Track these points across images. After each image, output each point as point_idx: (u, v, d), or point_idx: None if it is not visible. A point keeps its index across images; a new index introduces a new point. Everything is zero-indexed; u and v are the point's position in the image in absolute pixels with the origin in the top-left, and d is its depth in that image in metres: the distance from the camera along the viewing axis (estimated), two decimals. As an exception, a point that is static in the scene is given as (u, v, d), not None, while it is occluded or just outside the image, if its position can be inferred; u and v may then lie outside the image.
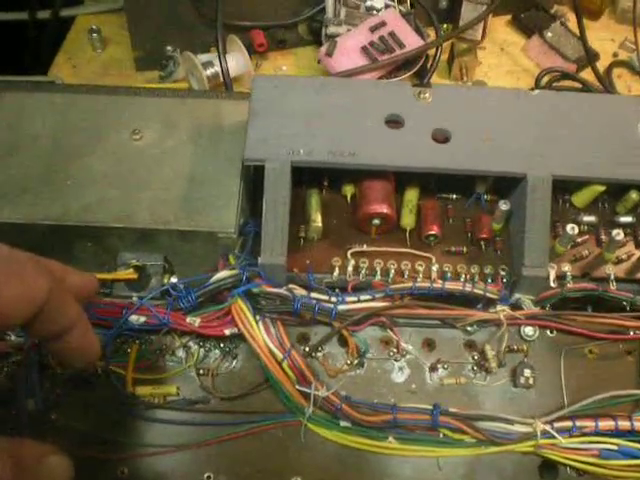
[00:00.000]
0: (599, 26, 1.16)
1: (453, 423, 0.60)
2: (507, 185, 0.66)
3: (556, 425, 0.60)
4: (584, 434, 0.60)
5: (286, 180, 0.63)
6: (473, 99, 0.67)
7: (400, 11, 1.08)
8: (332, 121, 0.65)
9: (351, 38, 1.05)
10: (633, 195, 0.66)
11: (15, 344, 0.61)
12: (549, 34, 1.12)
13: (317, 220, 0.66)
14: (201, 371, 0.62)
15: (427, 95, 0.67)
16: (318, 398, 0.60)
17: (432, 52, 1.09)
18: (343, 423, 0.60)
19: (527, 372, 0.62)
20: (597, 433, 0.60)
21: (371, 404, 0.60)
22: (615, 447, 0.60)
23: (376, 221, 0.65)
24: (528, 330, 0.63)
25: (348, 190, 0.68)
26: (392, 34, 1.05)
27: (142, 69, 1.09)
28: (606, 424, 0.60)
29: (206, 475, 0.60)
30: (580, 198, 0.67)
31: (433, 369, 0.63)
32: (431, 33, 1.11)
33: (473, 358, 0.63)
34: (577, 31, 1.12)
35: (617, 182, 0.64)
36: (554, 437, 0.59)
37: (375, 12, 1.07)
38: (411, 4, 1.10)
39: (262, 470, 0.60)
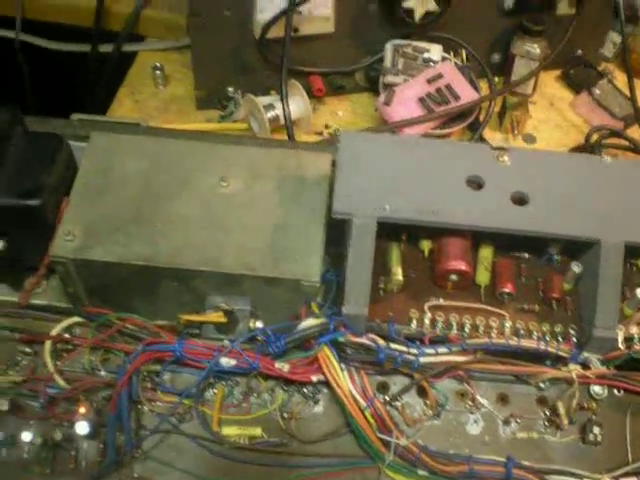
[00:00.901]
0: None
1: (526, 476, 0.63)
2: (579, 247, 0.70)
3: (623, 481, 0.63)
4: (651, 492, 0.63)
5: (372, 235, 0.67)
6: (550, 163, 0.71)
7: (456, 64, 1.13)
8: (416, 179, 0.69)
9: (409, 88, 1.09)
10: (701, 263, 0.69)
11: (106, 380, 0.65)
12: (597, 91, 1.17)
13: (398, 273, 0.69)
14: (284, 414, 0.65)
15: (506, 158, 0.71)
16: (398, 446, 0.63)
17: (485, 104, 1.13)
18: (421, 472, 0.63)
19: (596, 430, 0.65)
20: (664, 492, 0.63)
21: (448, 454, 0.64)
22: (681, 507, 0.63)
23: (453, 277, 0.69)
24: (597, 389, 0.67)
25: (426, 245, 0.72)
26: (448, 86, 1.10)
27: (202, 108, 1.14)
28: (672, 484, 0.63)
29: (287, 515, 0.63)
30: (648, 264, 0.71)
31: (506, 422, 0.66)
32: (483, 85, 1.15)
33: (545, 414, 0.67)
34: (624, 89, 1.16)
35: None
36: (623, 494, 0.62)
37: (432, 64, 1.12)
38: (465, 57, 1.14)
39: (340, 513, 0.63)
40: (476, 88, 1.14)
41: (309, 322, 0.65)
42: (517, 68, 1.17)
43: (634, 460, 0.65)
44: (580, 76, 1.22)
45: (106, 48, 1.21)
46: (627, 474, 0.64)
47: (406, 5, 1.08)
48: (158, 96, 1.16)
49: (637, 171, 0.71)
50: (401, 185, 0.69)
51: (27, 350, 0.67)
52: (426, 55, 1.13)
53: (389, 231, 0.72)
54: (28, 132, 0.75)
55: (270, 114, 1.09)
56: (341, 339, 0.65)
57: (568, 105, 1.21)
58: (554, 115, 1.19)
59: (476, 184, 0.70)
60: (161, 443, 0.65)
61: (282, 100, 1.06)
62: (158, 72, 1.15)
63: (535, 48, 1.14)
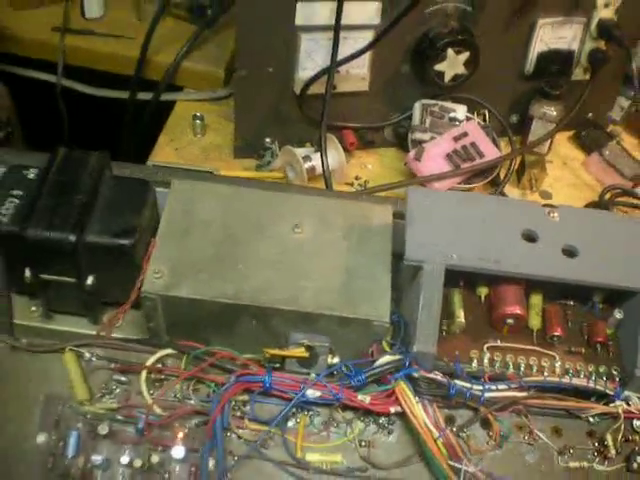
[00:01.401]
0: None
1: (581, 501, 0.72)
2: (620, 296, 0.80)
3: (667, 508, 0.72)
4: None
5: (440, 280, 0.76)
6: (595, 220, 0.82)
7: (479, 123, 1.24)
8: (478, 231, 0.79)
9: (437, 145, 1.20)
10: None
11: (199, 408, 0.72)
12: (607, 152, 1.30)
13: (460, 316, 0.79)
14: (362, 443, 0.73)
15: (556, 214, 0.81)
16: (467, 473, 0.71)
17: (505, 162, 1.24)
18: (487, 497, 0.72)
19: (639, 458, 0.74)
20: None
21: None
22: None
23: (510, 320, 0.79)
24: (639, 423, 0.76)
25: (482, 291, 0.82)
26: (473, 144, 1.21)
27: (240, 156, 1.23)
28: None
29: (364, 537, 0.71)
30: (682, 312, 0.81)
31: (560, 453, 0.75)
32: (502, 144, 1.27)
33: (594, 445, 0.76)
34: (631, 150, 1.29)
35: None
36: (667, 519, 0.72)
37: (457, 123, 1.23)
38: (488, 117, 1.26)
39: (413, 535, 0.71)
40: (498, 146, 1.25)
41: (386, 358, 0.74)
42: (535, 129, 1.29)
43: (673, 488, 0.74)
44: (591, 138, 1.34)
45: (144, 96, 1.30)
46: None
47: (438, 68, 1.19)
48: (197, 144, 1.25)
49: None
50: (465, 236, 0.79)
51: (122, 379, 0.74)
52: (452, 114, 1.25)
53: (449, 278, 0.81)
54: (117, 177, 0.83)
55: (307, 165, 1.18)
56: (415, 374, 0.73)
57: (580, 164, 1.33)
58: (567, 174, 1.31)
59: (530, 237, 0.80)
60: (247, 468, 0.72)
61: (322, 152, 1.16)
62: (198, 121, 1.24)
63: (552, 110, 1.27)
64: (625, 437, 0.76)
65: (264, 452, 0.73)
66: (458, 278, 0.82)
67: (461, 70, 1.20)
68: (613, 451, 0.75)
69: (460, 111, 1.25)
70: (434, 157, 1.20)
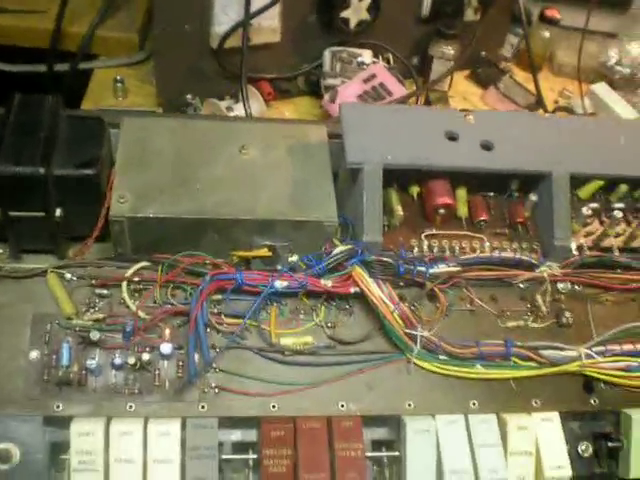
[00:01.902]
0: (539, 78, 1.51)
1: (522, 352, 0.86)
2: (532, 183, 0.95)
3: (593, 349, 0.88)
4: (614, 355, 0.88)
5: (379, 179, 0.89)
6: (504, 119, 0.97)
7: (384, 66, 1.38)
8: (406, 135, 0.93)
9: (349, 88, 1.34)
10: (622, 187, 0.97)
11: (180, 309, 0.83)
12: (502, 85, 1.47)
13: (399, 210, 0.92)
14: (328, 324, 0.86)
15: (471, 117, 0.96)
16: (422, 338, 0.85)
17: (412, 100, 1.39)
18: (442, 357, 0.85)
19: (567, 314, 0.90)
20: (623, 353, 0.88)
21: (461, 341, 0.86)
22: (636, 363, 0.88)
23: (441, 210, 0.93)
24: (562, 286, 0.92)
25: (414, 190, 0.95)
26: (382, 84, 1.35)
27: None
28: (627, 347, 0.89)
29: (340, 404, 0.83)
30: (585, 192, 0.97)
31: (499, 316, 0.90)
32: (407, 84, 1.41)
33: (526, 307, 0.91)
34: (523, 82, 1.46)
35: (610, 177, 0.95)
36: (593, 357, 0.87)
37: (365, 66, 1.37)
38: (390, 61, 1.40)
39: (382, 398, 0.84)
40: (404, 86, 1.40)
41: (340, 248, 0.86)
42: (435, 68, 1.44)
43: (598, 336, 0.90)
44: (486, 74, 1.51)
45: (61, 67, 1.38)
46: (596, 344, 0.89)
47: (343, 15, 1.33)
48: (120, 106, 1.33)
49: (570, 121, 0.99)
50: (397, 140, 0.92)
51: (104, 292, 0.84)
52: (360, 59, 1.38)
53: (385, 180, 0.95)
54: (72, 116, 0.92)
55: (231, 115, 1.29)
56: (368, 259, 0.86)
57: (479, 98, 1.49)
58: (469, 106, 1.47)
59: (452, 137, 0.94)
60: (229, 357, 0.83)
61: (243, 102, 1.27)
62: (119, 84, 1.33)
63: (449, 50, 1.43)
64: (552, 297, 0.91)
65: (243, 342, 0.84)
66: (392, 180, 0.95)
67: (365, 16, 1.34)
68: (544, 308, 0.90)
69: (367, 56, 1.39)
70: (347, 98, 1.33)
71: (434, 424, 0.82)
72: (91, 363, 0.80)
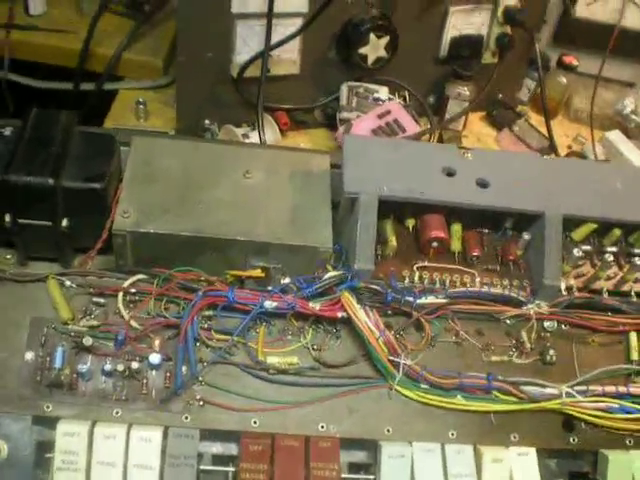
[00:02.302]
0: (555, 123, 1.54)
1: (502, 386, 0.89)
2: (527, 221, 0.98)
3: (575, 388, 0.90)
4: (595, 395, 0.90)
5: (374, 208, 0.93)
6: (502, 158, 1.01)
7: (400, 103, 1.43)
8: (404, 169, 0.96)
9: (363, 122, 1.38)
10: (616, 231, 0.99)
11: (172, 321, 0.86)
12: (516, 128, 1.50)
13: (393, 240, 0.95)
14: (314, 347, 0.89)
15: (469, 155, 0.99)
16: (405, 366, 0.87)
17: (425, 138, 1.42)
18: (423, 386, 0.88)
19: (551, 352, 0.92)
20: (604, 394, 0.90)
21: (443, 371, 0.89)
22: (617, 405, 0.90)
23: (435, 243, 0.96)
24: (549, 324, 0.94)
25: (410, 223, 0.99)
26: (396, 121, 1.39)
27: (182, 138, 1.37)
28: (609, 388, 0.91)
29: (320, 425, 0.86)
30: (578, 234, 1.00)
31: (483, 350, 0.92)
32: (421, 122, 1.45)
33: (511, 342, 0.93)
34: (537, 126, 1.49)
35: (604, 220, 0.98)
36: (574, 396, 0.89)
37: (380, 102, 1.41)
38: (408, 98, 1.45)
39: (362, 422, 0.87)
40: (418, 123, 1.44)
41: (332, 273, 0.90)
42: (450, 107, 1.48)
43: (582, 374, 0.92)
44: (501, 116, 1.55)
45: (87, 87, 1.44)
46: (578, 384, 0.91)
47: (361, 51, 1.37)
48: (140, 128, 1.39)
49: (567, 162, 1.02)
50: (394, 173, 0.95)
51: (100, 301, 0.88)
52: (376, 95, 1.43)
53: (381, 211, 0.98)
54: (84, 132, 0.97)
55: (246, 142, 1.34)
56: (357, 285, 0.89)
57: (493, 140, 1.53)
58: (482, 147, 1.50)
59: (449, 172, 0.98)
60: (216, 372, 0.87)
61: (259, 130, 1.32)
62: (141, 107, 1.39)
63: (465, 90, 1.47)
64: (538, 335, 0.94)
65: (230, 358, 0.87)
66: (389, 211, 0.99)
67: (382, 53, 1.39)
68: (528, 345, 0.92)
69: (383, 92, 1.43)
70: (361, 131, 1.37)
71: (410, 450, 0.85)
72: (82, 367, 0.83)
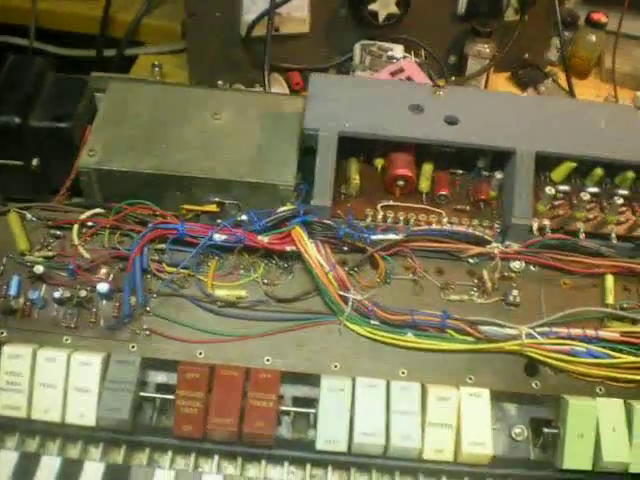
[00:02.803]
0: (587, 83, 1.47)
1: (457, 324, 0.85)
2: (501, 161, 0.94)
3: (537, 330, 0.85)
4: (559, 337, 0.85)
5: (334, 145, 0.91)
6: (476, 97, 0.97)
7: (415, 61, 1.39)
8: (370, 106, 0.94)
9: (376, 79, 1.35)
10: (598, 171, 0.94)
11: (123, 253, 0.88)
12: (542, 88, 1.44)
13: (356, 178, 0.94)
14: (265, 281, 0.88)
15: (441, 93, 0.97)
16: (355, 302, 0.85)
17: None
18: (373, 322, 0.86)
19: (515, 292, 0.88)
20: (569, 337, 0.85)
21: (395, 308, 0.86)
22: (584, 349, 0.85)
23: (400, 182, 0.94)
24: (516, 264, 0.90)
25: (379, 162, 0.97)
26: (409, 78, 1.35)
27: (195, 99, 1.39)
28: (576, 331, 0.86)
29: (265, 358, 0.85)
30: (557, 174, 0.95)
31: (442, 288, 0.89)
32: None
33: (473, 282, 0.89)
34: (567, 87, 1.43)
35: (583, 159, 0.93)
36: (535, 338, 0.85)
37: (395, 61, 1.38)
38: (425, 57, 1.41)
39: (309, 358, 0.85)
40: (433, 81, 1.40)
41: (284, 207, 0.89)
42: (470, 66, 1.44)
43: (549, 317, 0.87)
44: (528, 76, 1.49)
45: (109, 53, 1.48)
46: (542, 325, 0.86)
47: (372, 8, 1.35)
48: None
49: (548, 100, 0.97)
50: (359, 110, 0.94)
51: (57, 233, 0.90)
52: (390, 53, 1.40)
53: (350, 151, 0.97)
54: (58, 77, 1.00)
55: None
56: (309, 219, 0.88)
57: (517, 101, 1.47)
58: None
59: (416, 109, 0.95)
60: (165, 303, 0.87)
61: (264, 89, 1.32)
62: (157, 69, 1.41)
63: (486, 48, 1.42)
64: (503, 275, 0.90)
65: (181, 291, 0.88)
66: (359, 151, 0.97)
67: (393, 9, 1.36)
68: (489, 284, 0.89)
69: (398, 50, 1.40)
70: (372, 90, 1.35)
71: (350, 384, 0.83)
72: (33, 294, 0.86)
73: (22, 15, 1.47)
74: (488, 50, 1.42)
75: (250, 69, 1.40)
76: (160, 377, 0.86)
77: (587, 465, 0.82)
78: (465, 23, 1.43)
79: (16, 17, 1.48)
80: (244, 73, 1.40)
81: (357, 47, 1.41)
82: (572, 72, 1.49)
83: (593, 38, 1.48)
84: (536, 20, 1.44)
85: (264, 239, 0.87)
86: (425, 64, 1.41)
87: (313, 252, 0.87)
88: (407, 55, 1.41)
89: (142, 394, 0.83)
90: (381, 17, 1.37)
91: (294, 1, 1.33)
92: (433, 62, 1.43)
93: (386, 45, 1.40)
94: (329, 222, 0.88)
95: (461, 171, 0.98)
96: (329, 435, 0.81)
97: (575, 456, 0.82)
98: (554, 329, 0.86)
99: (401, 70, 1.37)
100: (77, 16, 1.47)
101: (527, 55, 1.50)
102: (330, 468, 0.84)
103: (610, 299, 0.90)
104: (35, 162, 0.95)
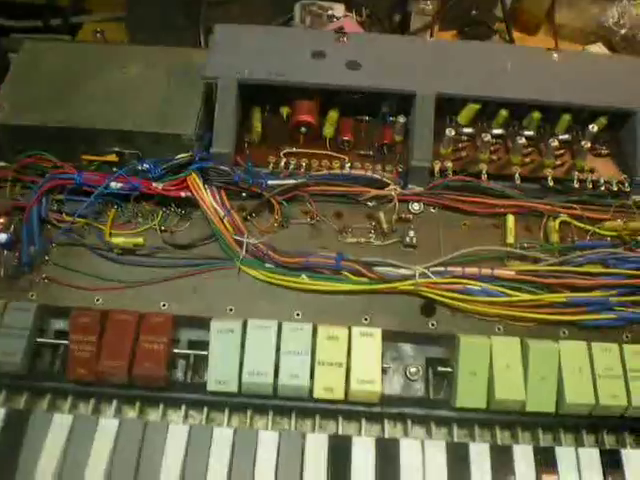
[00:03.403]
0: (537, 40, 1.46)
1: (351, 265, 0.86)
2: (405, 106, 0.95)
3: (432, 269, 0.86)
4: (453, 276, 0.86)
5: (234, 92, 0.92)
6: (379, 42, 0.97)
7: (357, 20, 1.39)
8: (272, 54, 0.95)
9: (314, 39, 1.35)
10: (503, 112, 0.94)
11: (22, 203, 0.89)
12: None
13: (258, 126, 0.94)
14: (163, 228, 0.89)
15: (345, 39, 0.97)
16: (250, 246, 0.86)
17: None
18: (268, 265, 0.87)
19: (411, 233, 0.89)
20: (464, 276, 0.86)
21: (290, 251, 0.87)
22: (479, 288, 0.85)
23: (303, 128, 0.94)
24: (415, 206, 0.90)
25: (285, 110, 0.97)
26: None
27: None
28: (471, 270, 0.86)
29: (162, 304, 0.86)
30: (463, 116, 0.95)
31: (340, 232, 0.90)
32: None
33: (371, 225, 0.90)
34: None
35: (485, 99, 0.93)
36: (430, 277, 0.85)
37: (335, 20, 1.38)
38: (368, 15, 1.41)
39: (205, 300, 0.86)
40: (376, 40, 1.40)
41: (181, 155, 0.90)
42: (414, 24, 1.44)
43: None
44: (474, 33, 1.48)
45: (56, 22, 1.49)
46: (437, 265, 0.87)
47: (309, -34, 1.36)
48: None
49: (452, 45, 0.97)
50: (259, 58, 0.95)
51: (-38, 188, 0.92)
52: (330, 12, 1.40)
53: (257, 101, 0.97)
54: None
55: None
56: (205, 166, 0.89)
57: (464, 57, 1.47)
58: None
59: (318, 56, 0.95)
60: (65, 253, 0.89)
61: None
62: (98, 35, 1.42)
63: (429, 5, 1.41)
64: (401, 217, 0.90)
65: (78, 239, 0.89)
66: (264, 101, 0.98)
67: (332, -33, 1.36)
68: (385, 226, 0.89)
69: (338, 9, 1.40)
70: (311, 49, 1.36)
71: (240, 326, 0.83)
72: None
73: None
74: (431, 7, 1.41)
75: (189, 34, 1.40)
76: (59, 324, 0.87)
77: (481, 404, 0.83)
78: (407, -20, 1.43)
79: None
80: (183, 37, 1.40)
81: (297, 6, 1.40)
82: (521, 28, 1.48)
83: (542, -8, 1.47)
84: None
85: (159, 186, 0.88)
86: (365, 22, 1.40)
87: (208, 198, 0.88)
88: (348, 14, 1.41)
89: (39, 340, 0.84)
90: (319, -25, 1.37)
91: (231, -38, 1.33)
92: (376, 21, 1.43)
93: (326, 4, 1.40)
94: (224, 168, 0.89)
95: (367, 117, 0.98)
96: (219, 376, 0.82)
97: (468, 394, 0.83)
98: (449, 269, 0.87)
99: (341, 29, 1.37)
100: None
101: (475, 12, 1.49)
102: (227, 410, 0.85)
103: (510, 239, 0.90)
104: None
